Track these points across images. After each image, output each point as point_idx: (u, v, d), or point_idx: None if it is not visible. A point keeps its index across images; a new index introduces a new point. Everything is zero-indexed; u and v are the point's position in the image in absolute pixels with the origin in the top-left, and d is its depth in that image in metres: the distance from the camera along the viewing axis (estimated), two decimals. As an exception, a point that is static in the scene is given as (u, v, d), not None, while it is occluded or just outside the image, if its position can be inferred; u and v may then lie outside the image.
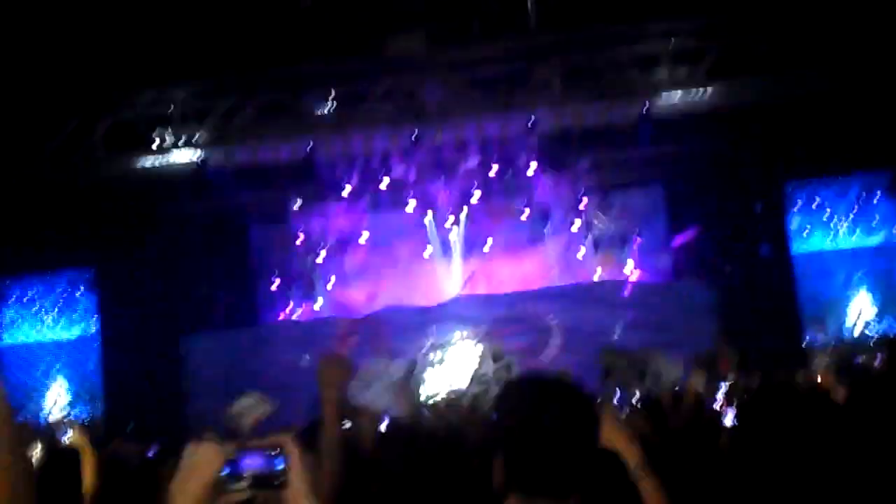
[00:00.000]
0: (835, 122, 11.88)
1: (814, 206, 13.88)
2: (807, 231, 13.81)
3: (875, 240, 13.75)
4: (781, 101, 12.00)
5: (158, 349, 13.20)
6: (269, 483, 1.50)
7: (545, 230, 14.16)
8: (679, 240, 13.66)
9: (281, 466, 1.51)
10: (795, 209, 13.88)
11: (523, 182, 13.71)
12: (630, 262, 14.08)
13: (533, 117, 12.64)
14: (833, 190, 13.89)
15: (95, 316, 14.41)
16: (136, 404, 12.72)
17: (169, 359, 13.11)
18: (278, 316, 14.40)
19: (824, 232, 13.85)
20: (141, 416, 11.91)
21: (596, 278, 14.07)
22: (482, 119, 12.98)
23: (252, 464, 1.50)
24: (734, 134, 12.55)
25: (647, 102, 12.29)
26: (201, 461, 1.51)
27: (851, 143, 12.17)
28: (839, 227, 13.79)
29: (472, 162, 13.58)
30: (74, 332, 14.53)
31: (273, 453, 1.52)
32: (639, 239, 14.08)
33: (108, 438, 7.60)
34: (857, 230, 13.78)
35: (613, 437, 2.15)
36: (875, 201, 13.69)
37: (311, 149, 12.89)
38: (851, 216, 13.71)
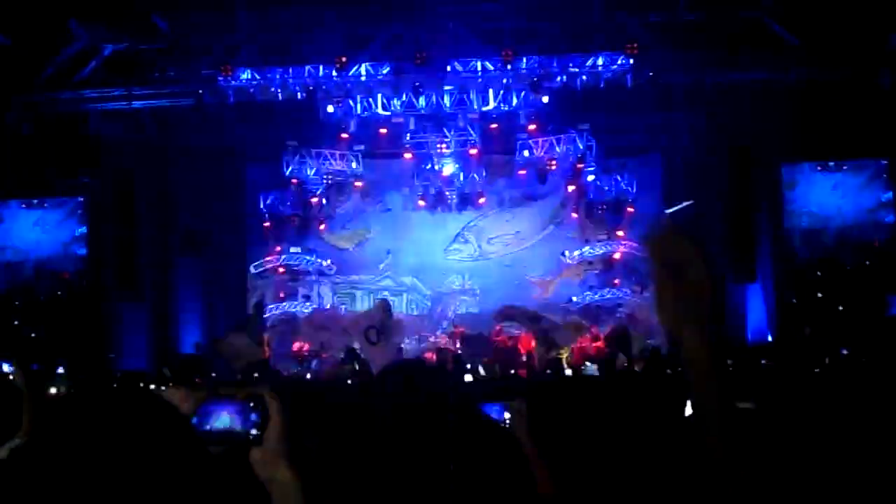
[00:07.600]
0: (835, 109, 11.78)
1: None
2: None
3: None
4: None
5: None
6: (240, 439, 1.27)
7: (541, 187, 14.15)
8: (672, 210, 13.64)
9: (255, 421, 1.28)
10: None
11: (523, 139, 13.61)
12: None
13: (537, 68, 12.51)
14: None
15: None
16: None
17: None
18: (267, 255, 14.42)
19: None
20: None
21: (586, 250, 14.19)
22: (485, 71, 12.83)
23: (224, 415, 1.27)
24: (736, 110, 12.48)
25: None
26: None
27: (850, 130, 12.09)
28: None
29: (473, 115, 13.45)
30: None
31: (249, 405, 1.28)
32: (631, 209, 14.06)
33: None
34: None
35: None
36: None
37: (311, 90, 12.79)
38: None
